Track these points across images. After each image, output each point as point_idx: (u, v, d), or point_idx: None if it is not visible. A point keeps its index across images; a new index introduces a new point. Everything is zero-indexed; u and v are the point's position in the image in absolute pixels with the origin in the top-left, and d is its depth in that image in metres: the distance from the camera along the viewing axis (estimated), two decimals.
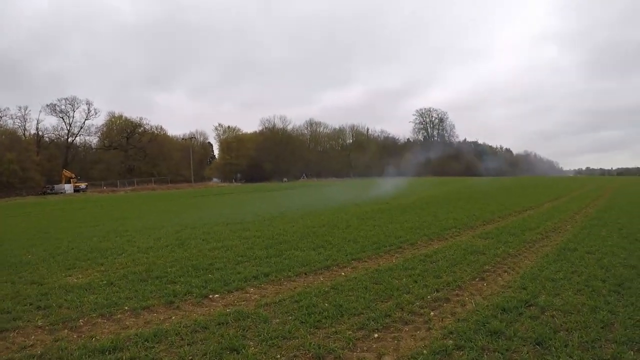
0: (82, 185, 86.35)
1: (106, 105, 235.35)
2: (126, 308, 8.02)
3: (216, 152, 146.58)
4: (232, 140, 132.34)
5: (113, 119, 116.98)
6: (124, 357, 5.90)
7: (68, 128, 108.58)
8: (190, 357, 5.87)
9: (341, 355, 5.85)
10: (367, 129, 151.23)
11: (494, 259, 11.09)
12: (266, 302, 8.09)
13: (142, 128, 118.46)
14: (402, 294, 8.27)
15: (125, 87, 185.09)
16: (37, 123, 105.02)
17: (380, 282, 9.13)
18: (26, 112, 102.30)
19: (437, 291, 8.47)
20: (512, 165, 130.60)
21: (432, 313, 7.32)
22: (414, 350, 5.86)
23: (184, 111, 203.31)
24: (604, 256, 11.07)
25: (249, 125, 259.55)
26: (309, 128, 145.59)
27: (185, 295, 8.67)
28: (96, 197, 64.07)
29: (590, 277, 9.14)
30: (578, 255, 11.18)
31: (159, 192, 74.71)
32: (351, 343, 6.17)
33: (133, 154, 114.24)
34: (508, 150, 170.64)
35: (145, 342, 6.36)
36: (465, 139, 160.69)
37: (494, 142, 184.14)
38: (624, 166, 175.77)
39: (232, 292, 8.89)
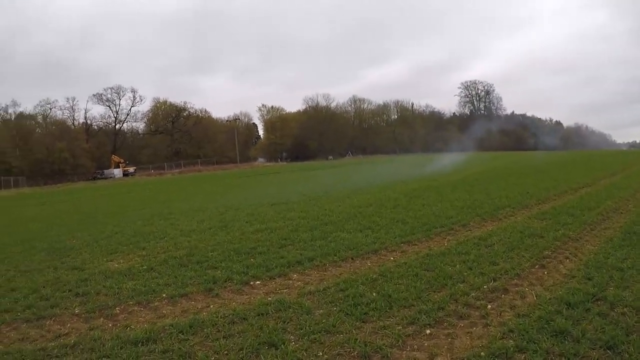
0: (131, 169, 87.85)
1: (151, 91, 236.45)
2: (164, 295, 7.72)
3: (261, 132, 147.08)
4: (276, 120, 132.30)
5: (158, 105, 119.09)
6: (156, 350, 5.57)
7: (115, 115, 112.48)
8: (225, 352, 5.44)
9: (389, 354, 5.25)
10: (412, 104, 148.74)
11: (554, 243, 10.08)
12: (309, 290, 7.58)
13: (186, 112, 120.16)
14: (456, 283, 7.55)
15: (168, 73, 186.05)
16: (85, 112, 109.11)
17: (431, 269, 8.41)
18: (74, 102, 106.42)
19: (494, 280, 7.66)
20: (563, 139, 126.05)
21: (489, 306, 6.57)
22: (470, 351, 5.21)
23: (227, 94, 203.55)
24: None
25: (292, 104, 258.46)
26: (352, 105, 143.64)
27: (225, 281, 8.29)
28: (144, 181, 65.15)
29: None
30: None
31: (205, 174, 75.31)
32: (401, 340, 5.56)
33: (179, 137, 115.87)
34: (558, 123, 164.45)
35: (180, 334, 6.01)
36: (512, 112, 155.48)
37: (543, 115, 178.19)
38: None
39: (274, 278, 8.44)
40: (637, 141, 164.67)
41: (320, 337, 5.72)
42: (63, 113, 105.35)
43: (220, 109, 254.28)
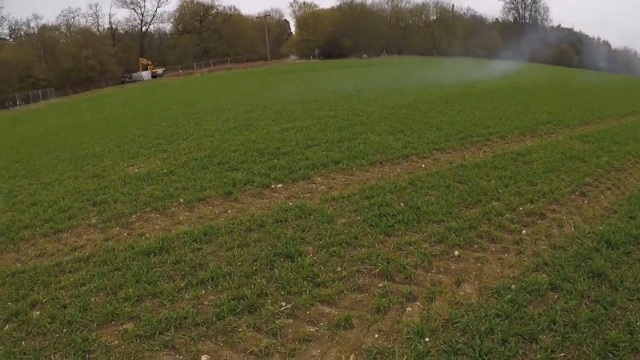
0: (159, 71, 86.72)
1: None
2: (181, 200, 7.42)
3: (292, 29, 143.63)
4: (309, 16, 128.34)
5: (185, 4, 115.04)
6: (168, 261, 5.29)
7: (141, 18, 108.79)
8: (238, 263, 5.14)
9: (413, 275, 4.82)
10: (453, 6, 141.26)
11: (596, 170, 9.22)
12: (333, 196, 7.14)
13: (214, 10, 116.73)
14: (490, 201, 6.98)
15: None
16: (110, 17, 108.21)
17: (465, 182, 7.84)
18: (97, 8, 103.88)
19: (531, 202, 7.01)
20: (610, 61, 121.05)
21: (523, 231, 5.99)
22: (499, 281, 4.73)
23: None
24: None
25: (326, 1, 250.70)
26: (389, 3, 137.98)
27: (246, 184, 7.94)
28: (172, 82, 64.43)
29: None
30: None
31: (235, 72, 74.50)
32: (426, 260, 5.11)
33: (207, 36, 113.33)
34: (606, 43, 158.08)
35: (194, 243, 5.71)
36: (559, 25, 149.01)
37: (592, 33, 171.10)
38: None
39: (296, 181, 8.04)
40: None
41: (340, 250, 5.33)
42: (87, 20, 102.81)
43: (251, 6, 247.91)
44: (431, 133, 11.82)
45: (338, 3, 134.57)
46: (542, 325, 4.01)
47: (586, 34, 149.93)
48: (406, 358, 3.68)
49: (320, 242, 5.51)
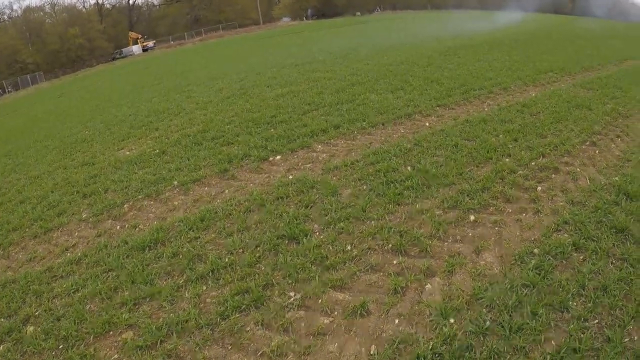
0: (150, 43, 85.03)
1: None
2: (175, 183, 7.02)
3: None
4: None
5: None
6: (164, 254, 4.97)
7: None
8: (240, 251, 4.80)
9: (429, 247, 4.47)
10: None
11: (603, 117, 8.89)
12: (335, 164, 6.75)
13: None
14: (501, 157, 6.62)
15: None
16: None
17: (472, 138, 7.45)
18: None
19: (543, 156, 6.67)
20: (603, 7, 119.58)
21: (539, 188, 5.65)
22: (521, 247, 4.40)
23: None
24: None
25: None
26: None
27: (242, 159, 7.53)
28: (163, 54, 62.98)
29: None
30: None
31: (227, 39, 73.10)
32: (441, 229, 4.75)
33: (197, 3, 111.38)
34: None
35: (190, 231, 5.37)
36: None
37: None
38: None
39: (296, 151, 7.63)
40: None
41: (348, 225, 4.97)
42: None
43: None
44: (432, 89, 11.33)
45: None
46: (571, 291, 3.75)
47: None
48: (432, 345, 3.37)
49: (326, 218, 5.15)
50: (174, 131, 10.32)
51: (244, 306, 3.95)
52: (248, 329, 3.74)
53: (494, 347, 3.29)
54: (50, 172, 9.30)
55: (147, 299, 4.29)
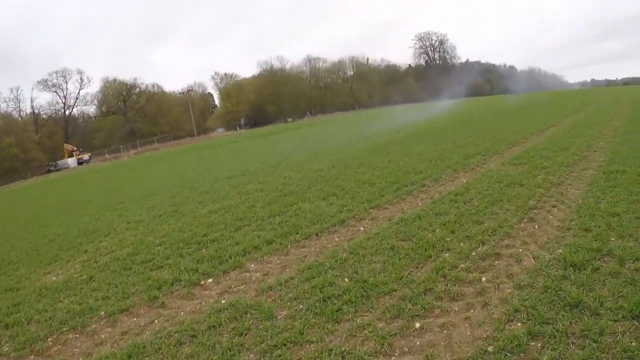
0: (85, 156, 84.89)
1: (100, 71, 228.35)
2: (102, 313, 6.46)
3: (217, 101, 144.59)
4: (231, 87, 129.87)
5: (107, 84, 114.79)
6: None
7: (63, 101, 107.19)
8: None
9: None
10: (367, 59, 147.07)
11: (536, 190, 9.20)
12: (270, 284, 6.37)
13: (137, 89, 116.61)
14: (440, 253, 6.48)
15: (119, 49, 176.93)
16: (32, 102, 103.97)
17: (409, 238, 7.31)
18: (18, 92, 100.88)
19: (482, 244, 6.61)
20: (517, 83, 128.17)
21: (483, 278, 5.50)
22: (473, 346, 4.15)
23: (179, 66, 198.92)
24: None
25: (247, 70, 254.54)
26: (307, 64, 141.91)
27: (173, 284, 7.06)
28: (99, 167, 62.54)
29: None
30: (631, 179, 9.16)
31: (162, 152, 73.46)
32: (386, 343, 4.43)
33: (132, 116, 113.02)
34: (512, 67, 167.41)
35: None
36: (467, 60, 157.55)
37: (497, 60, 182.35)
38: (630, 76, 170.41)
39: (228, 272, 7.22)
40: (588, 80, 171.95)
41: (286, 351, 4.58)
42: (8, 105, 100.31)
43: (174, 82, 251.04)
44: (364, 190, 11.39)
45: (258, 71, 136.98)
46: None
47: (493, 63, 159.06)
48: None
49: (262, 346, 4.75)
50: (103, 254, 9.81)
51: None
52: None
53: None
54: None
55: None
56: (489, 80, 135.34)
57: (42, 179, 62.45)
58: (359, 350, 4.38)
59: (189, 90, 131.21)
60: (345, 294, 5.56)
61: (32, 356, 5.67)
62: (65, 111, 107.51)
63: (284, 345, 4.70)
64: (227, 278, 7.01)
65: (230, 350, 4.76)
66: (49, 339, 6.00)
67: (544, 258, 5.78)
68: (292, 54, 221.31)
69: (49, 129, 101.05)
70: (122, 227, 12.23)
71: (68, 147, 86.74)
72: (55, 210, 19.83)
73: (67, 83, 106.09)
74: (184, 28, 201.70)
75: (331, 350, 4.45)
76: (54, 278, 8.75)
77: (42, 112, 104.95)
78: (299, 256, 7.42)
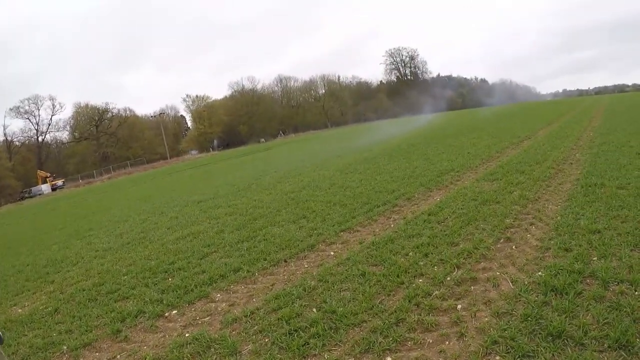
0: (59, 182, 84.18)
1: (72, 97, 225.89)
2: (65, 348, 6.21)
3: (189, 123, 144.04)
4: (203, 109, 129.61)
5: (79, 110, 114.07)
6: None
7: (36, 128, 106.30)
8: None
9: None
10: (339, 77, 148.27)
11: (512, 207, 9.01)
12: (235, 315, 6.13)
13: (109, 113, 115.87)
14: (413, 279, 6.23)
15: (90, 75, 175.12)
16: (4, 129, 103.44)
17: (380, 263, 7.07)
18: None
19: (458, 267, 6.37)
20: (490, 95, 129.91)
21: (459, 306, 5.25)
22: None
23: (151, 89, 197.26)
24: None
25: (219, 91, 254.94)
26: (279, 84, 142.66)
27: (137, 316, 6.81)
28: (72, 193, 61.57)
29: None
30: (609, 193, 9.04)
31: (135, 175, 72.77)
32: None
33: (105, 141, 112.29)
34: (483, 80, 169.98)
35: None
36: (438, 74, 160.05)
37: (469, 74, 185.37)
38: (602, 85, 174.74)
39: (193, 303, 6.96)
40: (560, 91, 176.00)
41: None
42: None
43: (146, 105, 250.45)
44: (335, 212, 11.19)
45: (230, 92, 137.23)
46: None
47: (465, 76, 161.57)
48: None
49: None
50: (69, 284, 9.51)
51: None
52: None
53: None
54: None
55: None
56: (461, 94, 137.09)
57: (15, 207, 61.47)
58: None
59: (161, 114, 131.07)
60: (313, 326, 5.32)
61: None
62: (38, 138, 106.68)
63: None
64: (192, 309, 6.75)
65: None
66: None
67: (523, 282, 5.56)
68: (263, 74, 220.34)
69: (22, 156, 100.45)
70: (89, 256, 11.91)
71: (42, 173, 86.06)
72: (25, 239, 19.34)
73: (39, 109, 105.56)
74: (154, 51, 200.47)
75: None
76: (19, 310, 8.48)
77: (15, 139, 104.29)
78: (266, 284, 7.17)
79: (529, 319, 4.65)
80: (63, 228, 20.14)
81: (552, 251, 6.41)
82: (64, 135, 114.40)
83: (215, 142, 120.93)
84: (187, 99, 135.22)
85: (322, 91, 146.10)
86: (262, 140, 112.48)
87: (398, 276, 6.39)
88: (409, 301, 5.56)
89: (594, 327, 4.33)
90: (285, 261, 8.14)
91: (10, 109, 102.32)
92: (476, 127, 33.87)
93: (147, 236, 12.86)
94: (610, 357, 3.87)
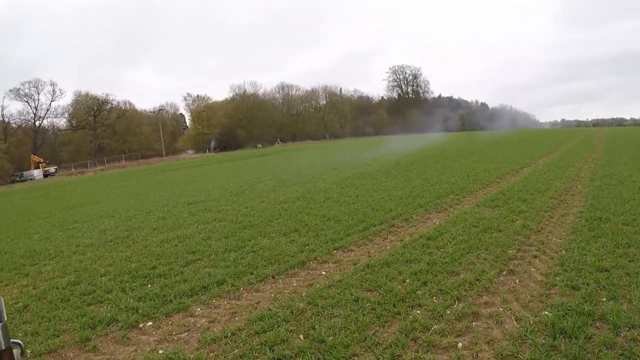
0: (51, 169, 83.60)
1: (73, 85, 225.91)
2: (29, 352, 5.67)
3: (188, 123, 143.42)
4: (203, 109, 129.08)
5: (79, 98, 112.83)
6: None
7: (34, 112, 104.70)
8: None
9: None
10: (340, 89, 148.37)
11: (515, 237, 8.64)
12: (214, 335, 5.60)
13: (109, 105, 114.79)
14: (411, 310, 5.77)
15: (93, 64, 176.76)
16: (2, 110, 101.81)
17: (375, 288, 6.61)
18: None
19: (458, 300, 5.94)
20: (489, 120, 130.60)
21: (459, 344, 4.80)
22: None
23: (153, 85, 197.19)
24: None
25: (220, 93, 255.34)
26: (280, 92, 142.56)
27: (109, 324, 6.29)
28: (63, 181, 60.93)
29: None
30: (615, 229, 8.75)
31: (128, 170, 72.27)
32: None
33: (102, 132, 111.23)
34: (484, 104, 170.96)
35: None
36: (440, 95, 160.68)
37: (470, 97, 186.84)
38: (599, 117, 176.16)
39: (171, 315, 6.45)
40: (558, 120, 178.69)
41: None
42: None
43: (146, 100, 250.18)
44: (329, 228, 10.76)
45: (231, 94, 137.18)
46: None
47: (465, 99, 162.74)
48: None
49: None
50: (44, 279, 8.99)
51: None
52: None
53: None
54: None
55: None
56: (461, 116, 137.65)
57: (5, 189, 60.78)
58: None
59: (160, 110, 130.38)
60: (299, 356, 4.84)
61: None
62: (35, 122, 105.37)
63: None
64: (169, 322, 6.25)
65: None
66: None
67: (529, 321, 5.16)
68: (265, 80, 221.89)
69: (18, 139, 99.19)
70: (69, 251, 11.40)
71: (35, 158, 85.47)
72: (8, 224, 18.84)
73: (39, 94, 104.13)
74: (158, 48, 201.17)
75: None
76: None
77: (12, 121, 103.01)
78: (251, 302, 6.68)
79: None
80: (47, 217, 19.69)
81: (559, 288, 6.05)
82: (62, 122, 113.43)
83: (213, 143, 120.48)
84: (187, 98, 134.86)
85: (323, 102, 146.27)
86: (259, 146, 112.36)
87: (394, 305, 5.94)
88: (406, 335, 5.10)
89: None
90: (273, 277, 7.67)
91: (10, 90, 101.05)
92: (476, 151, 33.72)
93: (131, 235, 12.38)
94: None
